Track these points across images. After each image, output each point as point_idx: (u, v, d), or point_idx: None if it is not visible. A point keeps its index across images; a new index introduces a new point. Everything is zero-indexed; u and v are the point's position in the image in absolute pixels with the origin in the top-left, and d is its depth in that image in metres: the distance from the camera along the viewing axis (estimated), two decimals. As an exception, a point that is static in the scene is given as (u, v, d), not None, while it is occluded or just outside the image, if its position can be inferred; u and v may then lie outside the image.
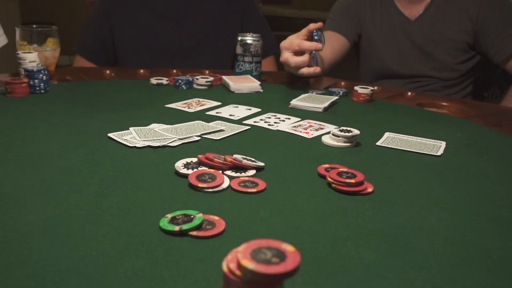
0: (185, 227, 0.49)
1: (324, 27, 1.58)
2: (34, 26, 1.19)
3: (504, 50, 1.44)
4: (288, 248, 0.35)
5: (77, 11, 4.01)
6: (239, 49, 1.27)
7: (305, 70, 1.16)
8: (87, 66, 1.56)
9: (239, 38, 1.27)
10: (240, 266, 0.34)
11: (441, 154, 0.77)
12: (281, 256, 0.34)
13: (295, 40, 1.16)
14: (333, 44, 1.49)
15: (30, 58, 1.09)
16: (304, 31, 1.17)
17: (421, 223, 0.54)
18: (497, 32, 1.44)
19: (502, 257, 0.48)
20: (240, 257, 0.34)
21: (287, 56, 1.17)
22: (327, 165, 0.68)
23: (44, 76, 1.04)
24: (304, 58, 1.16)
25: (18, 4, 3.95)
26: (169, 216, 0.52)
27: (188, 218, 0.51)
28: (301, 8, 3.75)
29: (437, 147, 0.80)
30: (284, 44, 1.18)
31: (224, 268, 0.35)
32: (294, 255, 0.34)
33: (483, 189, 0.65)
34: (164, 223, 0.50)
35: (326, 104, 1.01)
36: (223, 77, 1.22)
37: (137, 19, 1.54)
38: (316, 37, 1.16)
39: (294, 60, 1.15)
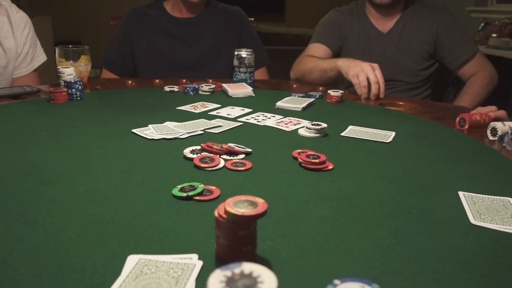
0: (190, 193, 0.59)
1: (312, 40, 1.67)
2: (70, 46, 1.28)
3: (457, 58, 1.53)
4: (259, 200, 0.45)
5: (101, 31, 4.09)
6: (235, 62, 1.36)
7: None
8: (111, 77, 1.64)
9: (236, 53, 1.36)
10: (226, 211, 0.43)
11: (390, 141, 0.87)
12: (254, 205, 0.44)
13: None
14: (320, 54, 1.58)
15: (68, 72, 1.18)
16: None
17: (365, 189, 0.64)
18: (452, 43, 1.53)
19: (420, 211, 0.57)
20: (226, 206, 0.44)
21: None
22: (299, 150, 0.77)
23: (80, 86, 1.13)
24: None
25: (51, 25, 4.04)
26: (179, 186, 0.61)
27: (193, 188, 0.61)
28: (292, 25, 3.84)
29: (388, 136, 0.89)
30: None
31: (215, 214, 0.45)
32: (263, 204, 0.44)
33: (417, 166, 0.74)
34: (175, 191, 0.60)
35: (304, 105, 1.11)
36: (223, 84, 1.31)
37: (152, 39, 1.63)
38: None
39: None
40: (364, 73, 1.26)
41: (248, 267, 0.30)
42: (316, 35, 1.66)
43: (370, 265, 0.45)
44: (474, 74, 1.54)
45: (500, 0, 3.96)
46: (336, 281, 0.34)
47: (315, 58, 1.50)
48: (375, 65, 1.28)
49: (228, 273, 0.29)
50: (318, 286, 0.41)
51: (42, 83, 1.43)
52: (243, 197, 0.45)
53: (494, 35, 3.43)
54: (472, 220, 0.55)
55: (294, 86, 1.46)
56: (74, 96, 1.12)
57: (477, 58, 1.55)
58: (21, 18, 1.39)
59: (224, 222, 0.44)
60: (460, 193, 0.62)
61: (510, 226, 0.53)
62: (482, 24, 3.73)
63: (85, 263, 0.44)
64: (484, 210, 0.57)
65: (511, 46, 3.12)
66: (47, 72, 1.80)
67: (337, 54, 1.68)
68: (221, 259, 0.45)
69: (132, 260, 0.44)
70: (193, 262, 0.44)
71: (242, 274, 0.29)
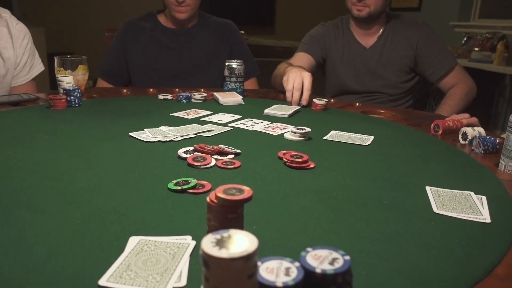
0: (184, 187, 0.65)
1: (297, 50, 1.75)
2: (69, 56, 1.34)
3: (437, 71, 1.62)
4: (246, 188, 0.51)
5: (94, 43, 4.15)
6: (226, 72, 1.43)
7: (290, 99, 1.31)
8: (106, 86, 1.71)
9: (227, 64, 1.43)
10: (216, 197, 0.50)
11: (368, 144, 0.94)
12: (241, 191, 0.50)
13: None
14: (305, 62, 1.66)
15: (67, 80, 1.24)
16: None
17: (342, 184, 0.71)
18: (431, 57, 1.61)
19: (390, 203, 0.64)
20: (216, 192, 0.50)
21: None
22: (284, 151, 0.84)
23: (78, 94, 1.19)
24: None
25: (44, 36, 4.10)
26: (174, 181, 0.68)
27: (187, 182, 0.67)
28: (281, 38, 3.94)
29: (367, 139, 0.97)
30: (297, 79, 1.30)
31: (207, 199, 0.51)
32: (249, 191, 0.50)
33: (391, 165, 0.81)
34: (171, 185, 0.66)
35: (290, 112, 1.18)
36: (214, 93, 1.38)
37: (146, 49, 1.69)
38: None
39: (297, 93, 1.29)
40: (291, 80, 1.30)
41: (234, 232, 0.36)
42: (302, 46, 1.75)
43: (342, 245, 0.51)
44: (454, 85, 1.62)
45: (482, 16, 4.12)
46: (309, 249, 0.40)
47: (286, 65, 1.54)
48: (306, 74, 1.30)
49: (218, 236, 0.35)
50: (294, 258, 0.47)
51: (38, 91, 1.49)
52: (231, 186, 0.51)
53: (476, 49, 3.57)
54: (435, 209, 0.62)
55: (282, 95, 1.53)
56: (73, 103, 1.18)
57: (456, 70, 1.63)
58: (20, 29, 1.45)
59: (215, 206, 0.50)
60: (427, 188, 0.69)
61: (468, 214, 0.60)
62: (465, 39, 3.87)
63: (92, 243, 0.50)
64: (447, 202, 0.64)
65: (492, 59, 3.25)
66: (41, 81, 1.86)
67: (320, 64, 1.77)
68: (212, 240, 0.51)
69: (133, 240, 0.50)
70: (188, 241, 0.50)
71: (229, 236, 0.35)
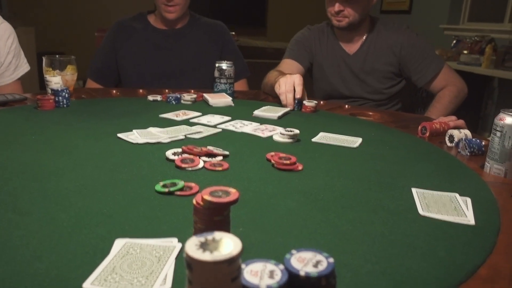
0: (172, 189, 0.65)
1: (284, 56, 1.75)
2: (57, 56, 1.33)
3: (423, 77, 1.61)
4: (232, 190, 0.51)
5: (84, 43, 4.13)
6: (216, 73, 1.43)
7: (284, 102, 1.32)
8: (96, 87, 1.70)
9: (217, 65, 1.43)
10: (202, 199, 0.50)
11: (357, 146, 0.95)
12: (227, 194, 0.50)
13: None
14: (292, 69, 1.66)
15: (55, 80, 1.23)
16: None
17: (329, 186, 0.71)
18: (417, 63, 1.60)
19: (376, 204, 0.64)
20: (202, 194, 0.50)
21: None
22: (272, 153, 0.84)
23: (66, 94, 1.18)
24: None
25: (33, 36, 4.06)
26: (161, 183, 0.67)
27: (174, 184, 0.67)
28: (272, 39, 3.94)
29: (355, 141, 0.97)
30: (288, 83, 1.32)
31: (194, 202, 0.51)
32: (235, 193, 0.50)
33: (377, 166, 0.82)
34: (158, 187, 0.66)
35: (280, 113, 1.18)
36: (204, 94, 1.38)
37: (136, 50, 1.69)
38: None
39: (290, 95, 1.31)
40: (283, 84, 1.32)
41: (218, 234, 0.36)
42: (288, 51, 1.75)
43: (328, 246, 0.52)
44: (443, 88, 1.62)
45: (471, 19, 4.16)
46: (293, 251, 0.40)
47: (276, 73, 1.56)
48: (295, 75, 1.32)
49: (202, 239, 0.35)
50: (279, 261, 0.47)
51: (25, 92, 1.48)
52: (218, 188, 0.51)
53: (465, 51, 3.60)
54: (420, 211, 0.62)
55: (272, 97, 1.53)
56: (61, 103, 1.17)
57: (443, 73, 1.62)
58: (5, 29, 1.44)
59: (201, 209, 0.50)
60: (413, 189, 0.70)
61: (452, 216, 0.61)
62: (454, 41, 3.91)
63: (77, 246, 0.50)
64: (432, 204, 0.65)
65: (481, 62, 3.28)
66: (29, 81, 1.84)
67: (308, 69, 1.77)
68: (198, 242, 0.51)
69: (119, 243, 0.50)
70: (173, 244, 0.50)
71: (213, 239, 0.35)
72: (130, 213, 0.58)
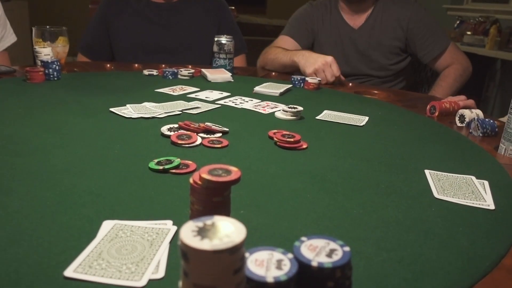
0: (167, 166, 0.60)
1: (283, 32, 1.68)
2: (48, 26, 1.26)
3: (429, 53, 1.56)
4: (233, 168, 0.46)
5: (79, 17, 4.01)
6: (215, 48, 1.37)
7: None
8: (88, 61, 1.63)
9: (216, 39, 1.36)
10: (200, 178, 0.44)
11: (363, 125, 0.89)
12: (228, 172, 0.45)
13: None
14: (288, 47, 1.58)
15: (45, 52, 1.16)
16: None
17: (336, 166, 0.66)
18: (424, 38, 1.55)
19: (388, 187, 0.60)
20: (201, 173, 0.45)
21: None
22: (275, 130, 0.79)
23: (57, 66, 1.12)
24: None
25: (27, 9, 3.95)
26: (156, 160, 0.62)
27: (169, 161, 0.61)
28: (273, 17, 3.84)
29: (361, 120, 0.92)
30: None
31: (191, 181, 0.46)
32: (236, 172, 0.45)
33: (387, 147, 0.77)
34: (152, 164, 0.61)
35: (282, 90, 1.12)
36: (202, 69, 1.31)
37: (130, 24, 1.60)
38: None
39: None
40: (321, 71, 1.30)
41: (218, 218, 0.31)
42: (288, 27, 1.67)
43: (338, 232, 0.47)
44: (448, 66, 1.57)
45: (475, -1, 4.06)
46: (303, 238, 0.35)
47: (279, 49, 1.51)
48: (330, 59, 1.31)
49: (200, 224, 0.30)
50: (286, 248, 0.42)
51: (19, 65, 1.41)
52: (217, 166, 0.46)
53: (468, 32, 3.52)
54: (435, 195, 0.57)
55: (273, 73, 1.47)
56: (51, 76, 1.11)
57: (449, 51, 1.57)
58: None
59: (198, 188, 0.45)
60: (426, 171, 0.65)
61: (470, 200, 0.56)
62: (458, 22, 3.82)
63: (60, 228, 0.45)
64: (448, 186, 0.60)
65: (485, 43, 3.21)
66: (23, 57, 1.77)
67: (307, 48, 1.69)
68: (195, 225, 0.46)
69: (107, 225, 0.45)
70: (168, 227, 0.45)
71: (213, 225, 0.30)
72: (120, 192, 0.53)
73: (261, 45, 1.79)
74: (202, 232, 0.29)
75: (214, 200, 0.45)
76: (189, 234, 0.29)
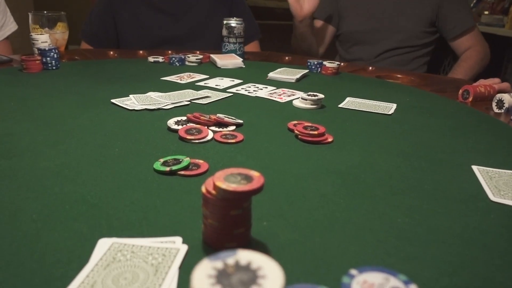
0: (174, 168, 0.51)
1: (314, 15, 1.59)
2: (45, 12, 1.17)
3: (454, 29, 1.49)
4: (254, 173, 0.37)
5: (85, 4, 3.93)
6: (224, 32, 1.27)
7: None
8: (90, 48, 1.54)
9: (225, 22, 1.27)
10: (215, 186, 0.36)
11: (392, 113, 0.80)
12: (248, 179, 0.36)
13: None
14: (324, 35, 1.55)
15: (42, 39, 1.08)
16: None
17: (370, 164, 0.57)
18: (452, 13, 1.49)
19: (434, 188, 0.51)
20: (215, 180, 0.36)
21: None
22: (295, 122, 0.70)
23: (55, 55, 1.04)
24: None
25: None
26: (161, 160, 0.54)
27: (177, 161, 0.53)
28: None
29: (389, 108, 0.83)
30: None
31: (203, 190, 0.37)
32: (259, 178, 0.37)
33: (423, 139, 0.67)
34: (157, 165, 0.52)
35: (298, 76, 1.03)
36: (211, 55, 1.22)
37: (137, 12, 1.51)
38: None
39: None
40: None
41: (244, 256, 0.23)
42: (318, 10, 1.58)
43: (384, 249, 0.38)
44: (469, 48, 1.52)
45: (492, -23, 3.88)
46: (353, 271, 0.27)
47: None
48: None
49: (219, 264, 0.22)
50: (327, 276, 0.34)
51: (17, 53, 1.33)
52: (235, 170, 0.38)
53: (486, 12, 3.36)
54: (491, 197, 0.48)
55: (286, 58, 1.37)
56: (49, 65, 1.03)
57: (474, 32, 1.52)
58: None
59: (213, 200, 0.36)
60: (474, 168, 0.56)
61: (535, 203, 0.47)
62: (474, 1, 3.66)
63: (46, 250, 0.36)
64: (503, 186, 0.51)
65: (504, 23, 3.06)
66: (28, 44, 1.70)
67: (337, 24, 1.63)
68: (210, 243, 0.38)
69: (103, 245, 0.37)
70: (177, 246, 0.37)
71: (237, 266, 0.22)
72: (120, 201, 0.45)
73: (271, 29, 1.69)
74: (221, 278, 0.21)
75: (232, 213, 0.36)
76: (204, 281, 0.21)
